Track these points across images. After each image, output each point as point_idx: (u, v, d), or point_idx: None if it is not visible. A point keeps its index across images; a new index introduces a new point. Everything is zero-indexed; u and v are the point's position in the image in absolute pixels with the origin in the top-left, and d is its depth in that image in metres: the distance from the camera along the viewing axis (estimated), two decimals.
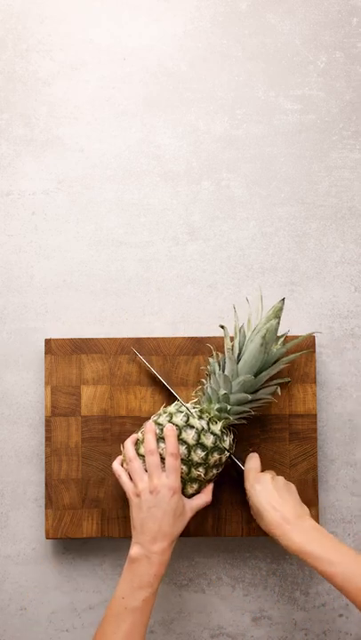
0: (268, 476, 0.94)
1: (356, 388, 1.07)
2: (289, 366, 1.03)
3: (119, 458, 0.97)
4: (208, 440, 0.94)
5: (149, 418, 1.01)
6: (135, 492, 0.90)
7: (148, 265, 1.07)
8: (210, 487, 0.96)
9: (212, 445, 0.94)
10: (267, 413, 1.03)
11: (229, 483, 1.02)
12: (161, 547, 0.87)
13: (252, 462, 0.97)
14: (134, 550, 0.88)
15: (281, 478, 0.95)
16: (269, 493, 0.91)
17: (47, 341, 1.04)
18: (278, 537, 0.87)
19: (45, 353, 1.04)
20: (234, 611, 1.06)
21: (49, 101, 1.07)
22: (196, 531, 1.02)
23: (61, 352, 1.03)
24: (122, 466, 0.95)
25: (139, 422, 1.02)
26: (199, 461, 0.93)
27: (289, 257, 1.08)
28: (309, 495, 1.02)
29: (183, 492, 0.94)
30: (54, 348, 1.03)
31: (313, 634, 1.06)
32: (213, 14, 1.08)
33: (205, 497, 0.94)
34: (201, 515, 1.02)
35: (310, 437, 1.03)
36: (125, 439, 1.02)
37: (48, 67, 1.07)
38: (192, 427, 0.94)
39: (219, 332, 1.07)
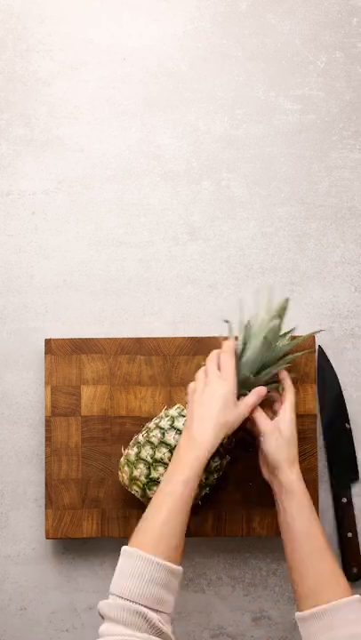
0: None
1: (357, 388, 1.07)
2: (289, 366, 1.03)
3: (232, 344, 0.93)
4: None
5: (149, 418, 1.01)
6: (198, 378, 0.91)
7: (148, 265, 1.07)
8: (259, 388, 0.92)
9: None
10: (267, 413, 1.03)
11: (229, 483, 1.02)
12: (203, 428, 0.85)
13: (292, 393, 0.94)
14: (181, 437, 0.87)
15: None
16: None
17: (47, 341, 1.04)
18: (298, 468, 0.88)
19: (45, 353, 1.04)
20: (234, 611, 1.06)
21: (49, 101, 1.07)
22: (196, 531, 1.02)
23: (61, 352, 1.03)
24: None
25: (139, 422, 1.02)
26: None
27: (289, 257, 1.08)
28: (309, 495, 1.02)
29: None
30: (54, 348, 1.03)
31: None
32: (213, 14, 1.08)
33: (258, 392, 0.91)
34: (201, 515, 1.02)
35: (310, 437, 1.03)
36: (125, 439, 1.02)
37: (48, 67, 1.07)
38: None
39: (219, 332, 1.07)
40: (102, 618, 0.77)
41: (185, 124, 1.08)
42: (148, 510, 0.82)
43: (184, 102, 1.08)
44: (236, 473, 1.02)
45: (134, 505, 1.02)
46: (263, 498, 1.02)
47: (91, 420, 1.03)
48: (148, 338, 1.04)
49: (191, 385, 0.92)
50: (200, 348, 1.03)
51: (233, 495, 1.02)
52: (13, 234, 1.07)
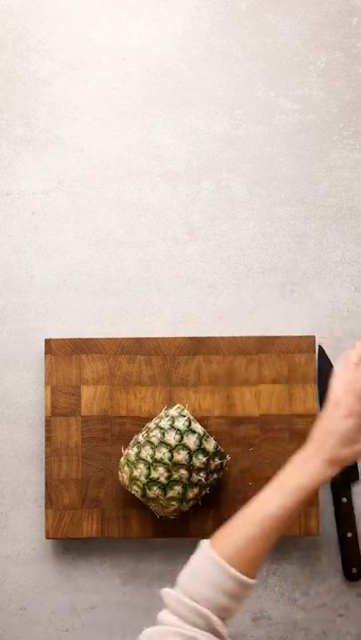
0: None
1: None
2: (289, 366, 1.03)
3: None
4: (210, 445, 0.95)
5: (149, 418, 1.01)
6: (333, 402, 0.80)
7: (148, 265, 1.07)
8: None
9: (213, 450, 0.95)
10: (267, 413, 1.03)
11: (229, 483, 1.02)
12: (319, 459, 0.78)
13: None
14: (297, 456, 0.80)
15: None
16: None
17: (47, 341, 1.04)
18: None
19: (45, 353, 1.04)
20: None
21: (49, 101, 1.07)
22: (196, 531, 1.02)
23: (61, 352, 1.03)
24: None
25: (139, 422, 1.02)
26: (200, 466, 0.93)
27: (289, 257, 1.08)
28: None
29: (184, 496, 0.94)
30: (54, 348, 1.03)
31: (313, 634, 1.06)
32: (213, 14, 1.08)
33: None
34: (201, 515, 1.02)
35: None
36: (125, 439, 1.02)
37: (48, 67, 1.07)
38: (194, 431, 0.94)
39: (219, 332, 1.07)
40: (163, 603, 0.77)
41: (185, 124, 1.08)
42: (241, 519, 0.78)
43: (184, 102, 1.08)
44: (236, 473, 1.02)
45: (134, 505, 1.02)
46: None
47: (91, 419, 1.03)
48: (148, 338, 1.04)
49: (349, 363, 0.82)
50: (200, 347, 1.03)
51: (233, 495, 1.02)
52: (13, 234, 1.07)
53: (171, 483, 0.93)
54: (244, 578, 0.75)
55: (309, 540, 1.06)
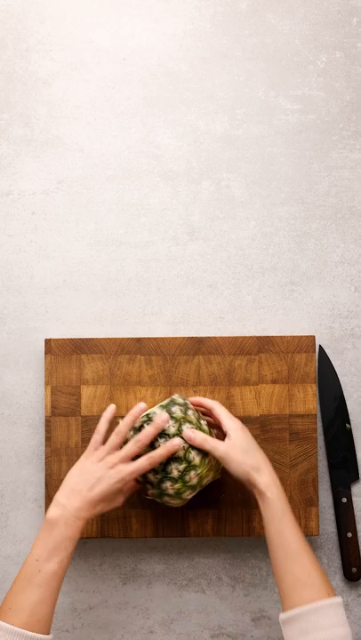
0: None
1: (356, 388, 1.07)
2: (289, 366, 1.03)
3: (112, 409, 0.94)
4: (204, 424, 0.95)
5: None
6: (96, 456, 0.90)
7: (148, 265, 1.07)
8: (142, 459, 0.90)
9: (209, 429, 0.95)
10: (267, 413, 1.03)
11: (229, 483, 1.02)
12: (83, 514, 0.86)
13: (222, 408, 0.95)
14: (53, 512, 0.86)
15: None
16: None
17: (47, 341, 1.04)
18: (270, 473, 0.89)
19: (45, 353, 1.04)
20: (234, 611, 1.06)
21: (49, 101, 1.07)
22: (196, 531, 1.02)
23: (61, 352, 1.03)
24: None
25: None
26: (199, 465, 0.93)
27: (289, 257, 1.08)
28: (309, 495, 1.02)
29: (180, 495, 0.93)
30: (54, 348, 1.03)
31: None
32: (213, 14, 1.08)
33: (131, 467, 0.89)
34: (201, 515, 1.02)
35: (310, 437, 1.03)
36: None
37: (48, 67, 1.07)
38: (189, 419, 0.94)
39: (219, 332, 1.07)
40: None
41: (185, 124, 1.08)
42: (17, 588, 0.83)
43: (184, 102, 1.08)
44: None
45: (134, 505, 1.02)
46: None
47: (91, 419, 1.03)
48: (148, 338, 1.04)
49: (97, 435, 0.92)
50: (200, 347, 1.03)
51: (233, 495, 1.03)
52: (13, 234, 1.07)
53: (185, 470, 0.92)
54: (46, 637, 0.82)
55: (309, 540, 1.06)
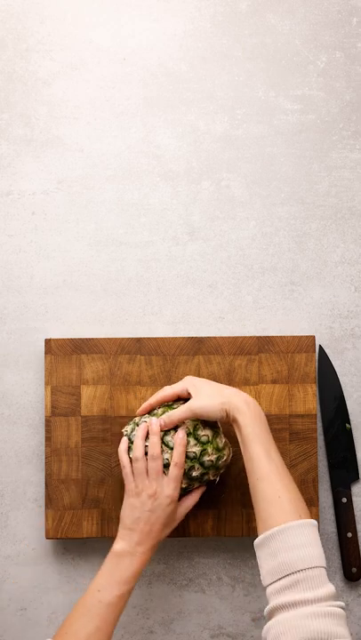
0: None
1: (356, 388, 1.07)
2: (289, 366, 1.03)
3: (125, 441, 0.95)
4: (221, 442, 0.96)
5: None
6: (136, 492, 0.90)
7: (148, 265, 1.07)
8: (199, 490, 0.97)
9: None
10: (267, 413, 1.03)
11: (229, 483, 1.02)
12: (147, 547, 0.89)
13: (169, 387, 0.97)
14: (120, 545, 0.88)
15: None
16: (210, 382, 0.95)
17: (47, 341, 1.04)
18: (246, 400, 0.89)
19: (45, 353, 1.04)
20: (234, 611, 1.06)
21: (49, 101, 1.07)
22: (196, 531, 1.02)
23: (61, 352, 1.03)
24: (128, 454, 0.94)
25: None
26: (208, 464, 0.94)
27: (289, 257, 1.08)
28: (309, 495, 1.02)
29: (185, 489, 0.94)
30: (54, 348, 1.03)
31: None
32: (213, 14, 1.08)
33: (192, 499, 0.96)
34: (201, 515, 1.02)
35: (310, 437, 1.03)
36: None
37: (48, 67, 1.07)
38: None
39: (219, 332, 1.07)
40: None
41: (185, 124, 1.08)
42: (76, 616, 0.85)
43: (184, 102, 1.08)
44: (236, 472, 1.02)
45: None
46: None
47: (91, 419, 1.03)
48: (148, 338, 1.04)
49: (129, 476, 0.93)
50: (200, 347, 1.03)
51: (233, 495, 1.02)
52: (13, 234, 1.07)
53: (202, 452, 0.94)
54: None
55: None
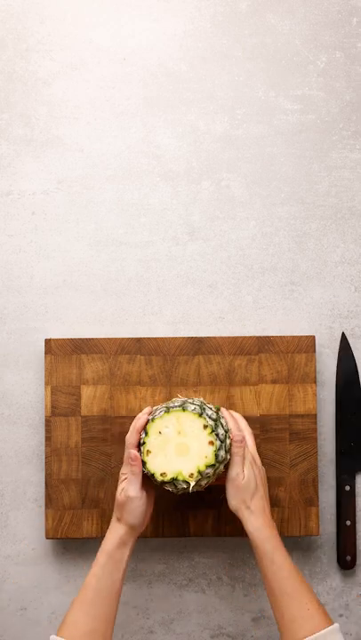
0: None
1: None
2: (289, 366, 1.03)
3: (148, 409, 0.95)
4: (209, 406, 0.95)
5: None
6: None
7: (148, 265, 1.07)
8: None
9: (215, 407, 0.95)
10: (267, 413, 1.03)
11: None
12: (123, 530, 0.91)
13: (250, 437, 0.96)
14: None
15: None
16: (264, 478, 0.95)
17: (47, 341, 1.04)
18: (266, 517, 0.90)
19: (45, 353, 1.04)
20: (234, 611, 1.06)
21: (49, 101, 1.07)
22: (196, 531, 1.02)
23: (61, 352, 1.03)
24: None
25: None
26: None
27: (289, 257, 1.08)
28: (309, 495, 1.02)
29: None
30: (54, 348, 1.03)
31: None
32: (213, 14, 1.08)
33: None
34: (201, 515, 1.02)
35: (310, 437, 1.03)
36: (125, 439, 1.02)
37: (48, 67, 1.07)
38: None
39: (219, 332, 1.07)
40: None
41: (185, 124, 1.08)
42: (80, 601, 0.88)
43: (184, 102, 1.08)
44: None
45: None
46: None
47: (91, 419, 1.03)
48: (148, 338, 1.04)
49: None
50: (200, 347, 1.03)
51: None
52: (13, 234, 1.07)
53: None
54: None
55: (309, 540, 1.06)
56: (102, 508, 1.02)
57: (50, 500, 1.02)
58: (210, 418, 0.90)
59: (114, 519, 0.92)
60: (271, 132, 1.08)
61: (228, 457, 0.92)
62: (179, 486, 0.89)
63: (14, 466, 1.06)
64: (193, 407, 0.91)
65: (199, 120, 1.08)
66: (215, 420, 0.91)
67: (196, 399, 0.94)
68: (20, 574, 1.06)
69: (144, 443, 0.90)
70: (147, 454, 0.89)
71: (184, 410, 0.90)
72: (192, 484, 0.88)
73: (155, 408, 0.94)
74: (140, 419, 0.92)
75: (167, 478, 0.88)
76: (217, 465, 0.89)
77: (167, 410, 0.91)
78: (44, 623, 1.06)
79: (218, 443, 0.89)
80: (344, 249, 1.08)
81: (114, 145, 1.08)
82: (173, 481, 0.88)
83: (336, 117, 1.08)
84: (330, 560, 1.06)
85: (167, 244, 1.07)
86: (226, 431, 0.92)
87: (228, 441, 0.91)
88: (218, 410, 0.94)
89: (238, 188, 1.08)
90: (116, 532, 0.90)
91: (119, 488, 0.91)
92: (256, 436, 1.02)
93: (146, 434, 0.90)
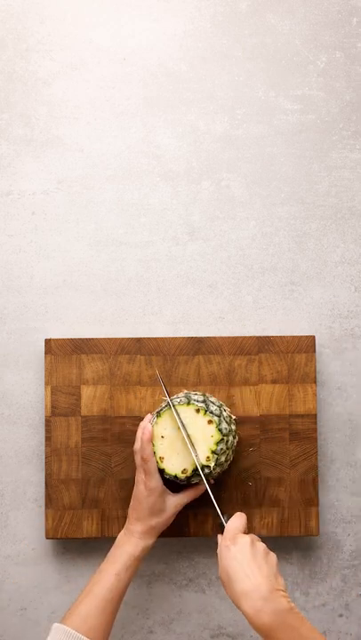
0: (247, 538, 0.85)
1: (357, 388, 1.07)
2: (289, 366, 1.03)
3: (148, 417, 0.98)
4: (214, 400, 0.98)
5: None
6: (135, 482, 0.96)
7: (148, 265, 1.07)
8: (193, 491, 0.97)
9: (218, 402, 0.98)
10: (267, 413, 1.03)
11: (229, 483, 1.02)
12: (140, 530, 0.93)
13: (236, 521, 0.87)
14: (121, 532, 0.95)
15: (262, 545, 0.85)
16: (245, 558, 0.81)
17: (47, 341, 1.04)
18: (247, 612, 0.78)
19: (45, 353, 1.04)
20: (234, 611, 1.06)
21: (49, 101, 1.07)
22: (196, 531, 1.02)
23: (61, 352, 1.03)
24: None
25: (139, 422, 1.02)
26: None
27: (289, 257, 1.08)
28: (309, 495, 1.02)
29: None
30: (54, 348, 1.03)
31: None
32: (213, 14, 1.08)
33: (184, 497, 0.96)
34: (201, 515, 1.02)
35: (310, 437, 1.03)
36: (125, 439, 1.02)
37: (48, 67, 1.07)
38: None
39: (219, 332, 1.07)
40: None
41: (185, 124, 1.08)
42: (85, 593, 0.90)
43: (184, 102, 1.08)
44: (236, 473, 1.02)
45: None
46: (263, 498, 1.02)
47: (91, 419, 1.03)
48: (148, 338, 1.04)
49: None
50: (200, 347, 1.03)
51: (233, 495, 1.03)
52: (13, 234, 1.07)
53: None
54: None
55: (309, 540, 1.06)
56: (102, 508, 1.02)
57: (50, 499, 1.02)
58: (198, 402, 0.95)
59: (143, 528, 0.94)
60: (271, 132, 1.08)
61: (233, 427, 0.97)
62: (205, 471, 0.94)
63: (14, 466, 1.06)
64: (179, 400, 0.95)
65: (199, 120, 1.08)
66: (204, 402, 0.95)
67: (180, 393, 0.98)
68: (19, 574, 1.06)
69: (154, 452, 0.94)
70: (161, 461, 0.94)
71: (173, 406, 0.95)
72: (212, 464, 0.93)
73: (150, 415, 0.98)
74: (146, 428, 0.95)
75: (189, 473, 0.94)
76: (225, 438, 0.94)
77: (158, 414, 0.96)
78: (44, 623, 1.06)
79: (216, 419, 0.94)
80: (344, 249, 1.08)
81: (114, 145, 1.08)
82: (195, 473, 0.93)
83: (336, 117, 1.08)
84: (330, 560, 1.06)
85: (167, 244, 1.07)
86: (219, 406, 0.96)
87: (225, 413, 0.96)
88: (204, 394, 0.98)
89: (238, 188, 1.08)
90: (142, 541, 0.93)
91: (139, 488, 0.94)
92: (256, 436, 1.02)
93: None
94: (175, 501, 0.95)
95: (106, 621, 0.88)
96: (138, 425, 1.02)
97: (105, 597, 0.89)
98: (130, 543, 0.93)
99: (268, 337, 1.04)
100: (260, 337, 1.04)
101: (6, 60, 1.07)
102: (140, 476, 0.94)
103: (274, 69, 1.08)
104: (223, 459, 0.95)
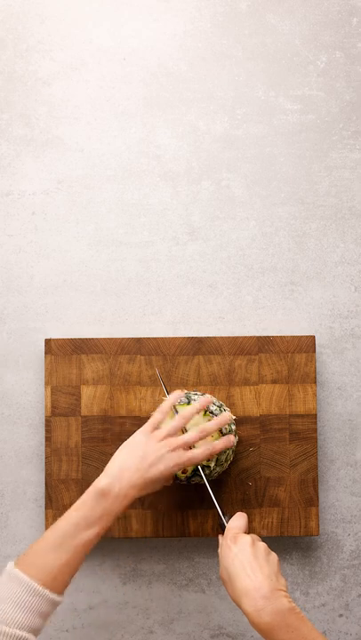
0: (248, 538, 0.85)
1: (357, 388, 1.07)
2: (289, 366, 1.03)
3: (177, 394, 0.95)
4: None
5: (149, 418, 1.01)
6: (152, 428, 0.90)
7: (148, 265, 1.07)
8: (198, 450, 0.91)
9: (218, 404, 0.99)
10: (267, 413, 1.03)
11: (229, 483, 1.02)
12: (131, 480, 0.85)
13: (237, 521, 0.88)
14: (104, 481, 0.85)
15: (263, 545, 0.86)
16: (246, 558, 0.82)
17: (47, 341, 1.04)
18: (247, 611, 0.78)
19: (45, 353, 1.04)
20: (234, 611, 1.06)
21: (49, 101, 1.07)
22: (196, 531, 1.02)
23: (61, 352, 1.03)
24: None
25: (139, 422, 1.02)
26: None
27: (289, 257, 1.08)
28: (309, 495, 1.02)
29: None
30: (54, 348, 1.03)
31: None
32: (213, 14, 1.08)
33: (190, 453, 0.88)
34: (201, 515, 1.02)
35: (310, 437, 1.03)
36: (125, 439, 1.02)
37: (48, 67, 1.07)
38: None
39: (219, 332, 1.07)
40: None
41: (185, 124, 1.08)
42: (54, 543, 0.82)
43: (184, 102, 1.08)
44: (236, 473, 1.02)
45: (134, 505, 1.02)
46: (263, 498, 1.02)
47: (91, 419, 1.03)
48: (148, 338, 1.04)
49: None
50: (200, 347, 1.03)
51: (233, 495, 1.03)
52: (13, 234, 1.07)
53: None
54: (60, 598, 0.80)
55: (309, 540, 1.06)
56: None
57: (50, 499, 1.02)
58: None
59: (122, 485, 0.84)
60: (271, 132, 1.08)
61: (233, 427, 0.99)
62: (206, 471, 0.95)
63: (14, 466, 1.06)
64: (179, 400, 0.96)
65: (199, 120, 1.08)
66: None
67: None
68: None
69: None
70: None
71: (174, 406, 0.95)
72: (212, 464, 0.95)
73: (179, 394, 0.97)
74: (168, 400, 0.92)
75: (189, 473, 0.95)
76: (225, 432, 0.96)
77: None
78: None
79: (215, 411, 0.96)
80: (344, 249, 1.08)
81: (114, 145, 1.08)
82: (195, 473, 0.95)
83: (336, 117, 1.08)
84: (330, 560, 1.06)
85: (167, 244, 1.07)
86: (219, 406, 0.98)
87: (223, 408, 0.98)
88: (204, 394, 0.99)
89: (238, 188, 1.08)
90: (120, 506, 0.84)
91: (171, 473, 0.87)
92: (256, 436, 1.02)
93: None
94: (172, 475, 0.91)
95: (72, 576, 0.83)
96: (138, 425, 1.02)
97: (80, 554, 0.83)
98: (120, 502, 0.84)
99: (268, 337, 1.04)
100: (261, 337, 1.04)
101: (6, 60, 1.07)
102: (180, 462, 0.86)
103: (274, 69, 1.08)
104: (223, 458, 0.96)
